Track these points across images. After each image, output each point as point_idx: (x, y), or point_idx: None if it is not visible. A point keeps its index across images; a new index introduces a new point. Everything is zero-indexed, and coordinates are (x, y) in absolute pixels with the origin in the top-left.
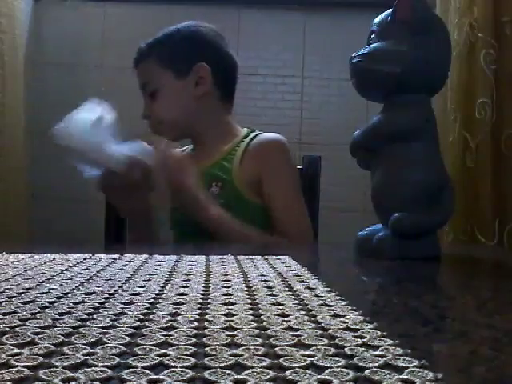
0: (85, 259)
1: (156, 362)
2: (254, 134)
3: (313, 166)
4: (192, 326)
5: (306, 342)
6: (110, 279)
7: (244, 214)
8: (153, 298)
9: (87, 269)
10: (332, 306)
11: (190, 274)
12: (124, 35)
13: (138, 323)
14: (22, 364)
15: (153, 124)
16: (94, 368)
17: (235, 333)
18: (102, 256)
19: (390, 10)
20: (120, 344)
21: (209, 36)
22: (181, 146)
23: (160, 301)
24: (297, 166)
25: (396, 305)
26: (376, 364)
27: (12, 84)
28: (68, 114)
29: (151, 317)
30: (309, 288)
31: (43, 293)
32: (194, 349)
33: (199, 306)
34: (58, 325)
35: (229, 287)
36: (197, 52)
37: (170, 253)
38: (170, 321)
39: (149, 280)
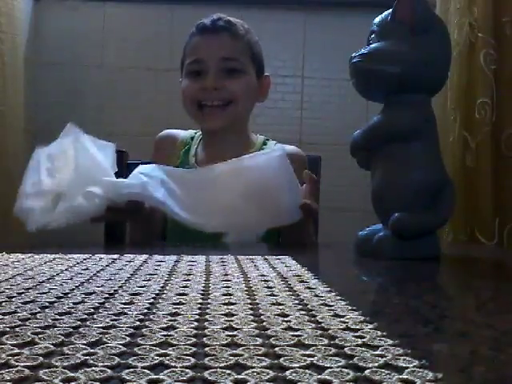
0: (85, 259)
1: (156, 361)
2: (271, 143)
3: (313, 166)
4: (192, 325)
5: (306, 342)
6: (110, 279)
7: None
8: (153, 297)
9: (87, 269)
10: (332, 306)
11: (190, 274)
12: (124, 35)
13: (138, 323)
14: (22, 364)
15: (222, 97)
16: (93, 368)
17: (235, 333)
18: (102, 256)
19: (390, 10)
20: (120, 344)
21: None
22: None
23: (160, 301)
24: None
25: (396, 305)
26: (376, 364)
27: (12, 84)
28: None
29: (151, 317)
30: (309, 288)
31: (43, 293)
32: (194, 349)
33: (199, 305)
34: (57, 325)
35: (229, 287)
36: (263, 62)
37: (170, 253)
38: (170, 321)
39: (149, 280)
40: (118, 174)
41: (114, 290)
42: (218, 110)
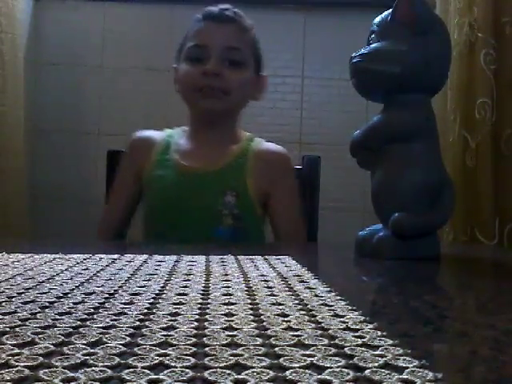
0: (85, 259)
1: (156, 362)
2: (258, 140)
3: (313, 166)
4: (192, 325)
5: (306, 342)
6: (110, 279)
7: (252, 227)
8: (153, 297)
9: (87, 269)
10: (332, 305)
11: (190, 274)
12: (124, 35)
13: (138, 323)
14: (22, 364)
15: (220, 86)
16: (94, 368)
17: (235, 333)
18: (102, 256)
19: (390, 9)
20: (120, 344)
21: None
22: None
23: (160, 301)
24: (296, 167)
25: (396, 305)
26: (376, 364)
27: (12, 84)
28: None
29: (151, 317)
30: (309, 288)
31: (43, 293)
32: (194, 349)
33: (199, 305)
34: (58, 325)
35: (229, 287)
36: (262, 60)
37: (170, 253)
38: (170, 321)
39: (149, 280)
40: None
41: (114, 290)
42: (218, 95)
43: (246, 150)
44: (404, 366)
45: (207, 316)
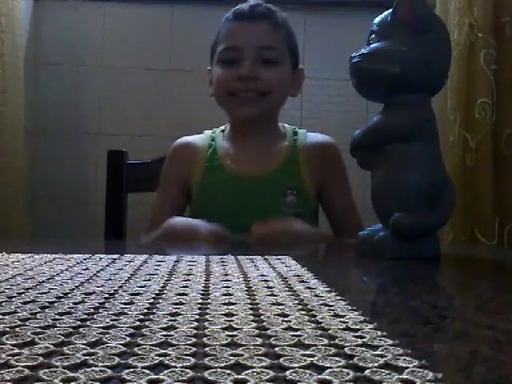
0: (85, 259)
1: (156, 362)
2: (302, 132)
3: None
4: (192, 325)
5: (306, 342)
6: (110, 279)
7: (310, 220)
8: (153, 297)
9: (87, 269)
10: (332, 305)
11: (190, 274)
12: (124, 35)
13: (138, 323)
14: (22, 364)
15: (258, 88)
16: (94, 368)
17: (235, 333)
18: (102, 256)
19: (390, 9)
20: (120, 344)
21: None
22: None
23: (160, 301)
24: None
25: (396, 305)
26: (376, 364)
27: (12, 84)
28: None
29: (151, 317)
30: (309, 288)
31: (43, 293)
32: (194, 349)
33: (199, 305)
34: (57, 325)
35: (229, 287)
36: (298, 53)
37: (170, 253)
38: (170, 321)
39: (149, 280)
40: (117, 174)
41: (114, 290)
42: (253, 99)
43: (294, 147)
44: (404, 366)
45: (207, 316)
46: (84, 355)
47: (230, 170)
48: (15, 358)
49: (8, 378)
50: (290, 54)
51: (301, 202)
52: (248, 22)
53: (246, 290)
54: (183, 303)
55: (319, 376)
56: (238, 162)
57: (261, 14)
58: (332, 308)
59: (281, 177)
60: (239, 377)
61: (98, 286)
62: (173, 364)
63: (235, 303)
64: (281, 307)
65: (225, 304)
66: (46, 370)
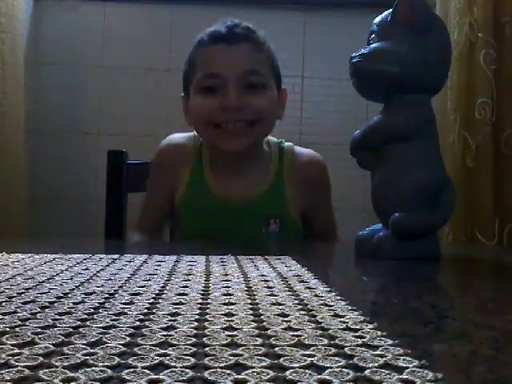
0: (85, 259)
1: (156, 362)
2: (288, 148)
3: None
4: (192, 325)
5: (306, 342)
6: (110, 279)
7: (292, 238)
8: (153, 297)
9: (87, 269)
10: (332, 305)
11: (190, 274)
12: (124, 35)
13: (138, 323)
14: (22, 364)
15: (246, 117)
16: (94, 368)
17: (235, 333)
18: (102, 256)
19: (390, 9)
20: (120, 344)
21: None
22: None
23: (160, 301)
24: None
25: (396, 305)
26: (376, 364)
27: (12, 84)
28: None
29: (151, 317)
30: (309, 288)
31: (43, 293)
32: (194, 349)
33: (199, 305)
34: (58, 325)
35: (229, 287)
36: (280, 73)
37: (170, 253)
38: (170, 321)
39: (149, 280)
40: (117, 174)
41: (114, 290)
42: (242, 130)
43: (280, 170)
44: (404, 366)
45: (207, 316)
46: (84, 355)
47: (213, 191)
48: (15, 357)
49: (8, 378)
50: (274, 76)
51: (284, 230)
52: (227, 46)
53: (246, 290)
54: (183, 303)
55: (319, 376)
56: (221, 187)
57: (241, 36)
58: (332, 308)
59: (265, 204)
60: (239, 377)
61: (98, 286)
62: (173, 364)
63: (235, 303)
64: (281, 307)
65: (225, 304)
66: (46, 370)
